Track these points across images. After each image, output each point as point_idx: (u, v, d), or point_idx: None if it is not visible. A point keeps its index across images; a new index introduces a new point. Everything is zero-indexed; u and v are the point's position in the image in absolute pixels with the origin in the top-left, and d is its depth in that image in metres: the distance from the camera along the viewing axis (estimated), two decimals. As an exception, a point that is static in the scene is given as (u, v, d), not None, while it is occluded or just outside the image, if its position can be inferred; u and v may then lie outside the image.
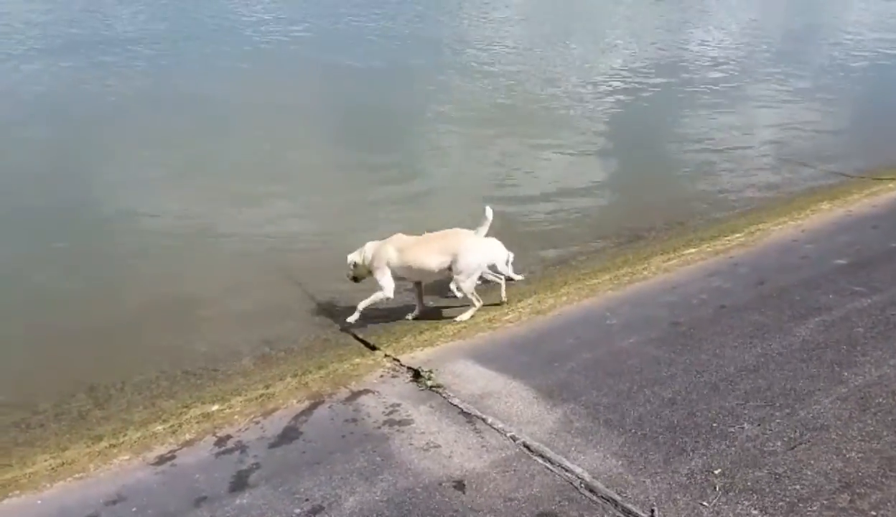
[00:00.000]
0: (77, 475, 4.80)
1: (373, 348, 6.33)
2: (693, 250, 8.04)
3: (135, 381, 6.17)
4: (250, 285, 7.49)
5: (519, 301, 7.03)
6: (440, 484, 4.27)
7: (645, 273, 7.46)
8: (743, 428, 4.50)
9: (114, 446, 5.14)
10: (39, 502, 4.54)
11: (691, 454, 4.28)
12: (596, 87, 15.56)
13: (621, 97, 15.02)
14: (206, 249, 8.34)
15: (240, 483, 4.52)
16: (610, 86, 15.75)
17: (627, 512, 3.84)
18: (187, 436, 5.16)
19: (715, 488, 3.96)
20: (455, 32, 20.20)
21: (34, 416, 5.76)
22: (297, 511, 4.17)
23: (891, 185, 10.01)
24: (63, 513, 4.39)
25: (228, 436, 5.08)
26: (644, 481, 4.05)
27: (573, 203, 9.88)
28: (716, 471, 4.10)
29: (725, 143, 12.61)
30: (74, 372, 6.24)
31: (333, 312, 7.14)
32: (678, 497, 3.91)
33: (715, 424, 4.57)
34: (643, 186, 10.57)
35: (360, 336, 6.63)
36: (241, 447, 4.92)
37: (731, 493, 3.90)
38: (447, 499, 4.11)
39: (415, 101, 14.24)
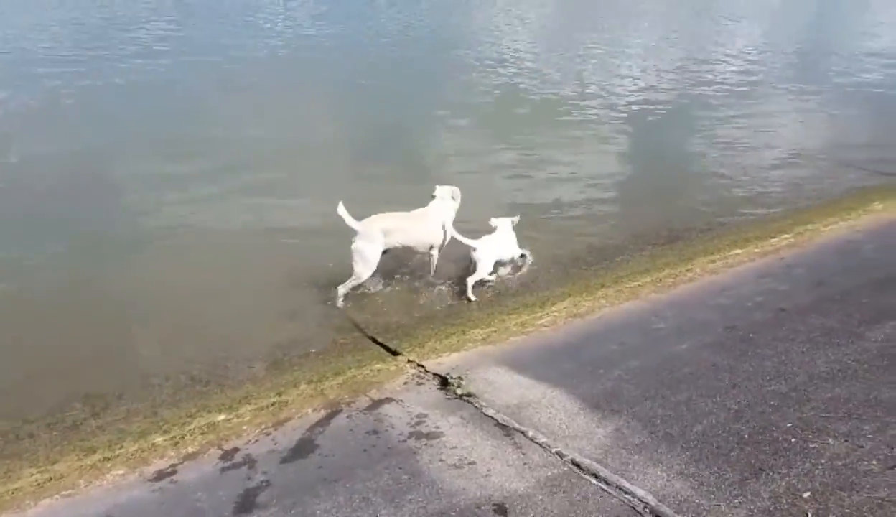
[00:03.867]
0: (65, 492, 4.26)
1: (394, 353, 5.77)
2: (739, 251, 7.42)
3: (135, 388, 5.63)
4: (261, 287, 6.96)
5: (553, 304, 6.45)
6: (478, 506, 3.70)
7: (689, 275, 6.86)
8: (828, 444, 3.90)
9: (108, 459, 4.60)
10: (22, 524, 4.01)
11: (771, 474, 3.68)
12: (626, 88, 15.01)
13: (654, 97, 14.46)
14: (213, 248, 7.81)
15: (247, 503, 3.97)
16: (641, 86, 15.19)
17: (705, 542, 3.25)
18: (190, 449, 4.62)
19: (807, 515, 3.36)
20: (474, 31, 19.71)
21: (24, 426, 5.22)
22: (312, 536, 3.61)
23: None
24: (46, 536, 3.85)
25: (235, 449, 4.54)
26: (719, 506, 3.46)
27: (606, 205, 9.29)
28: (804, 495, 3.50)
29: (766, 144, 11.95)
30: (70, 379, 5.70)
31: (350, 315, 6.59)
32: (764, 525, 3.31)
33: (794, 440, 3.96)
34: (678, 189, 9.95)
35: (380, 340, 6.08)
36: (250, 461, 4.37)
37: (827, 522, 3.30)
38: (487, 525, 3.53)
39: (438, 103, 13.73)
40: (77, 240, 8.00)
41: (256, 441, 4.61)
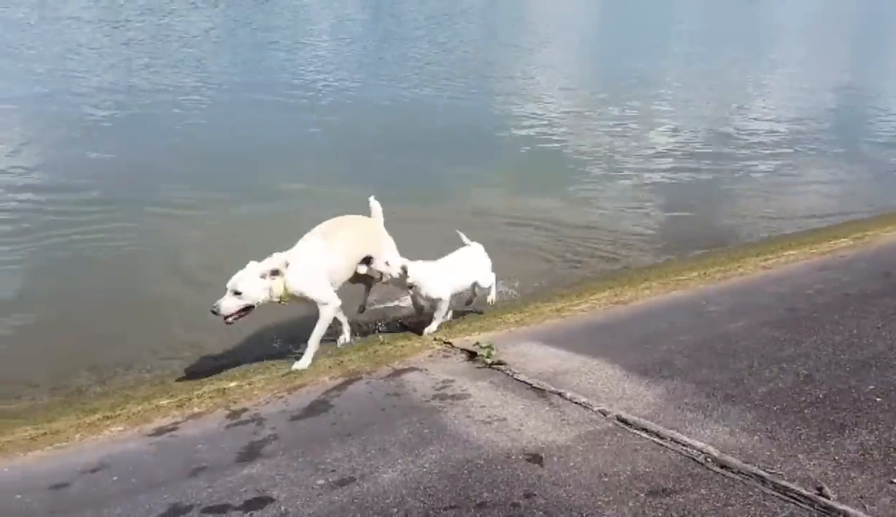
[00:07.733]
0: (58, 444, 3.94)
1: (421, 334, 5.36)
2: (794, 251, 6.90)
3: (145, 361, 5.30)
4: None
5: (592, 294, 5.99)
6: (509, 456, 3.23)
7: (741, 270, 6.35)
8: (921, 403, 3.36)
9: (108, 418, 4.27)
10: (7, 470, 3.65)
11: (856, 430, 3.17)
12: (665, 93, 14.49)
13: (687, 107, 13.99)
14: (245, 244, 7.51)
15: (251, 453, 3.58)
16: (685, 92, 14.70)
17: (784, 489, 2.73)
18: (196, 410, 4.26)
19: (905, 467, 2.83)
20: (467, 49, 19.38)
21: (27, 390, 4.91)
22: (321, 482, 3.18)
23: None
24: (27, 480, 3.49)
25: (244, 409, 4.16)
26: (797, 457, 2.95)
27: (649, 218, 8.76)
28: (900, 447, 2.96)
29: (813, 162, 11.32)
30: (81, 352, 5.39)
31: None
32: (853, 474, 2.79)
33: (879, 399, 3.44)
34: (722, 204, 9.41)
35: (406, 323, 5.66)
36: (258, 419, 3.99)
37: (931, 471, 2.76)
38: (519, 472, 3.07)
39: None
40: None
41: (267, 403, 4.23)
